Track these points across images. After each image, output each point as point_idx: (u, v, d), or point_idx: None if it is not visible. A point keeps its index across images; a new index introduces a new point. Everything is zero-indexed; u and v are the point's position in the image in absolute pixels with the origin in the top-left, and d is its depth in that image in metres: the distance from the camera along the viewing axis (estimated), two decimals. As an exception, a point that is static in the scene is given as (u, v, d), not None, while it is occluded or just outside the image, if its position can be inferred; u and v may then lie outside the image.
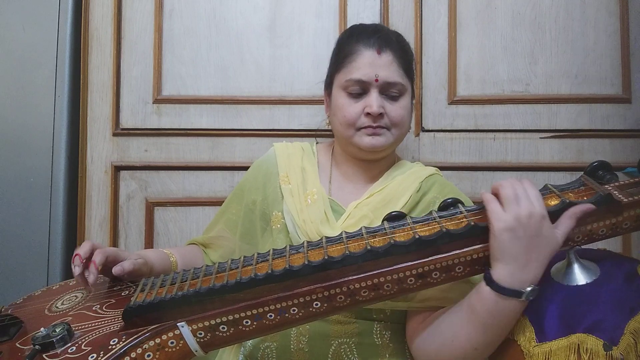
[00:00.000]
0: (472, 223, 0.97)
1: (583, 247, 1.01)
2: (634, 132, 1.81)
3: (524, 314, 0.99)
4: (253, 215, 1.40)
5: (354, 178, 1.39)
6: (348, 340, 1.23)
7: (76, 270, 1.10)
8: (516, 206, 0.94)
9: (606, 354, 0.88)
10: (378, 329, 1.25)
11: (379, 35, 1.32)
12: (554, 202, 1.00)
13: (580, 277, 0.99)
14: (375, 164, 1.39)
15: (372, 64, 1.29)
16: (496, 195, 0.98)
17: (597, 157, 1.79)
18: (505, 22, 1.84)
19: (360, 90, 1.31)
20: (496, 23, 1.84)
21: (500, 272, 0.95)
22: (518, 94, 1.84)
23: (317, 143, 1.49)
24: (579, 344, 0.90)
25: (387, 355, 1.25)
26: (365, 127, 1.30)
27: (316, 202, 1.32)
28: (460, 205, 1.05)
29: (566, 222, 0.95)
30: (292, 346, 1.24)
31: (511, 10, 1.84)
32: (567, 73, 1.83)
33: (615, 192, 0.98)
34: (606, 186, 1.01)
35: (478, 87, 1.85)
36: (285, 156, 1.43)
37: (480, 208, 1.03)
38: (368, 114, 1.29)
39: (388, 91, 1.31)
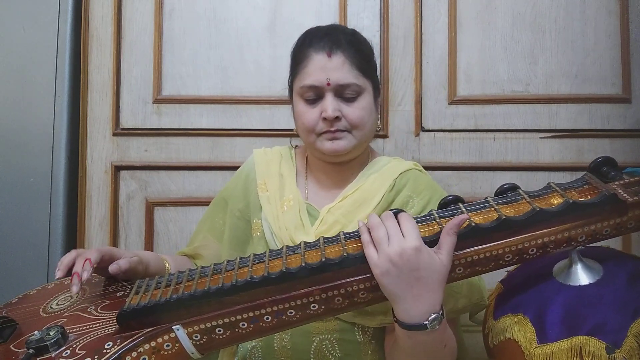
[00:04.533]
0: (473, 224, 0.96)
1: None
2: (634, 132, 1.80)
3: (525, 314, 0.99)
4: (240, 223, 1.39)
5: (328, 181, 1.38)
6: (329, 336, 1.23)
7: (74, 289, 1.07)
8: (387, 247, 0.93)
9: (609, 357, 0.87)
10: (360, 326, 1.24)
11: (328, 38, 1.29)
12: (557, 200, 0.99)
13: (582, 277, 0.98)
14: (347, 166, 1.36)
15: (323, 67, 1.26)
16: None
17: (597, 157, 1.79)
18: (505, 22, 1.84)
19: (315, 95, 1.28)
20: (496, 23, 1.84)
21: (398, 311, 0.96)
22: (518, 94, 1.83)
23: (295, 147, 1.48)
24: (581, 347, 0.89)
25: (370, 352, 1.24)
26: (324, 132, 1.28)
27: (292, 208, 1.32)
28: (460, 204, 1.05)
29: (446, 240, 0.95)
30: (275, 345, 1.25)
31: (511, 10, 1.84)
32: (567, 73, 1.83)
33: (620, 191, 0.96)
34: (611, 184, 1.00)
35: (478, 87, 1.84)
36: (263, 163, 1.42)
37: (482, 206, 1.02)
38: (325, 118, 1.26)
39: (343, 93, 1.27)
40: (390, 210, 1.08)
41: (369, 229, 0.98)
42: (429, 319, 0.94)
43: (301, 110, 1.31)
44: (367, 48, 1.35)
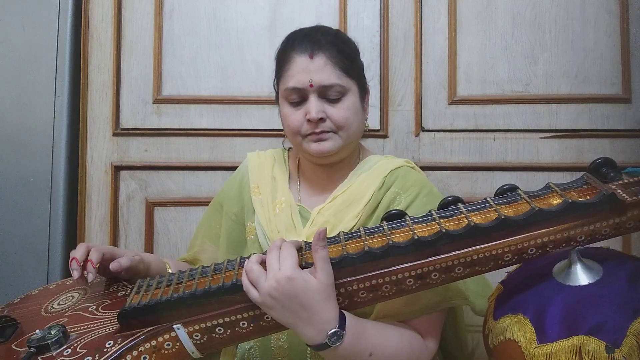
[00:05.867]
0: (473, 224, 0.96)
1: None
2: (634, 132, 1.80)
3: (525, 314, 0.99)
4: (236, 226, 1.40)
5: (319, 183, 1.38)
6: None
7: (75, 274, 1.13)
8: (263, 283, 0.95)
9: (608, 356, 0.87)
10: None
11: (309, 39, 1.29)
12: (556, 201, 0.99)
13: (582, 277, 0.98)
14: (338, 166, 1.36)
15: (305, 69, 1.26)
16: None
17: (597, 157, 1.79)
18: (505, 22, 1.84)
19: (299, 98, 1.28)
20: (496, 23, 1.84)
21: (299, 336, 0.98)
22: (518, 94, 1.83)
23: (289, 149, 1.48)
24: (580, 346, 0.89)
25: None
26: (309, 134, 1.27)
27: (284, 211, 1.33)
28: (460, 204, 1.05)
29: (315, 257, 0.96)
30: (272, 345, 1.26)
31: (511, 10, 1.84)
32: (567, 73, 1.83)
33: (619, 191, 0.96)
34: (610, 184, 0.99)
35: (478, 87, 1.84)
36: (256, 167, 1.42)
37: (481, 207, 1.02)
38: (309, 120, 1.26)
39: (327, 94, 1.27)
40: (391, 211, 1.08)
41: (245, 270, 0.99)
42: (327, 335, 0.96)
43: (286, 113, 1.31)
44: (351, 48, 1.34)
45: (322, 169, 1.36)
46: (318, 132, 1.26)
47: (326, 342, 0.96)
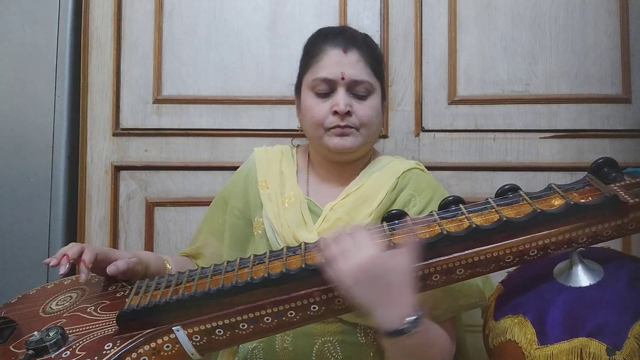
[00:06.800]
0: (474, 225, 0.96)
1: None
2: (634, 132, 1.80)
3: (525, 315, 0.99)
4: (240, 222, 1.40)
5: (330, 177, 1.38)
6: (332, 338, 1.23)
7: (62, 269, 1.11)
8: (347, 261, 0.94)
9: (609, 358, 0.87)
10: (362, 328, 1.24)
11: (344, 35, 1.31)
12: (558, 202, 0.99)
13: (583, 278, 0.98)
14: (350, 166, 1.37)
15: (338, 62, 1.28)
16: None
17: (597, 157, 1.79)
18: (505, 22, 1.84)
19: (327, 89, 1.29)
20: (496, 23, 1.84)
21: (376, 319, 0.96)
22: (518, 94, 1.83)
23: (297, 146, 1.49)
24: (581, 348, 0.89)
25: (372, 354, 1.24)
26: (333, 127, 1.28)
27: (293, 205, 1.32)
28: (461, 204, 1.05)
29: (407, 244, 0.96)
30: (277, 346, 1.25)
31: (511, 10, 1.84)
32: (567, 73, 1.83)
33: (621, 193, 0.96)
34: (612, 186, 0.99)
35: (478, 87, 1.84)
36: (264, 161, 1.42)
37: (483, 207, 1.02)
38: (335, 112, 1.27)
39: (355, 90, 1.29)
40: (391, 211, 1.08)
41: (331, 243, 0.97)
42: (407, 321, 0.94)
43: (311, 104, 1.31)
44: (379, 52, 1.38)
45: (334, 166, 1.36)
46: (343, 125, 1.27)
47: (403, 328, 0.94)
